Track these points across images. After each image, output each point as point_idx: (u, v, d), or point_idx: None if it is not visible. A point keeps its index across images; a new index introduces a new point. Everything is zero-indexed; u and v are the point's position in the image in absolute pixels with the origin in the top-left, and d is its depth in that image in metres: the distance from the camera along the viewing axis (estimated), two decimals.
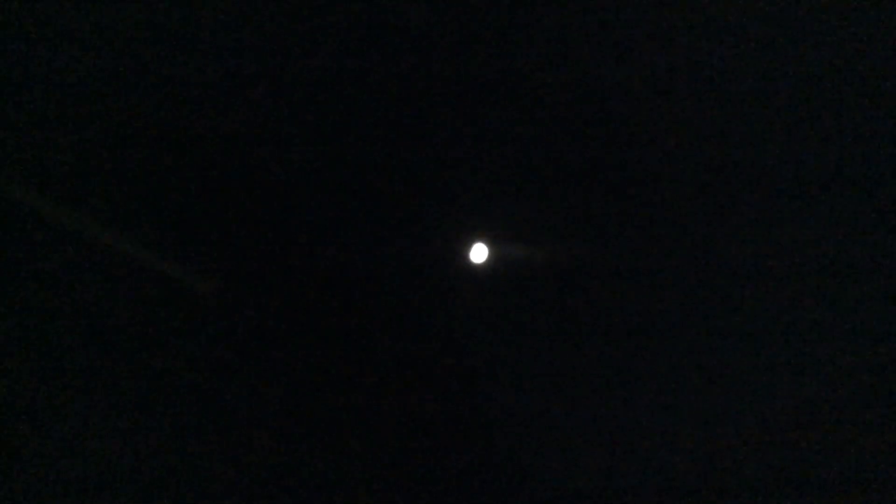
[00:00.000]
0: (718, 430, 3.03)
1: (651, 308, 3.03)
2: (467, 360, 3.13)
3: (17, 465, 2.29)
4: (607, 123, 2.82)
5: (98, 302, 2.57)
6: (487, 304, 3.11)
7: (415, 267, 3.05)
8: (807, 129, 2.64)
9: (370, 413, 2.99)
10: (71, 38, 2.51)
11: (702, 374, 3.02)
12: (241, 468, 2.76)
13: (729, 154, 2.74)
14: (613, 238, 2.99)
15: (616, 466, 3.12)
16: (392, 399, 3.02)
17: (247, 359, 2.85)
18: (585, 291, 3.07)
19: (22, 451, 2.30)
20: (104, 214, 2.61)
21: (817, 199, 2.74)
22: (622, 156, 2.86)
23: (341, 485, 2.92)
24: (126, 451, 2.54)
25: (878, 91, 2.49)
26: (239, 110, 2.76)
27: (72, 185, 2.57)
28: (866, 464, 2.82)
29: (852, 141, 2.62)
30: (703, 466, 3.05)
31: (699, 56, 2.64)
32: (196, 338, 2.74)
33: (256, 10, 2.59)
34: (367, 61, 2.71)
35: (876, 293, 2.77)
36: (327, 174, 2.89)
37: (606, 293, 3.06)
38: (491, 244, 3.02)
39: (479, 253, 3.02)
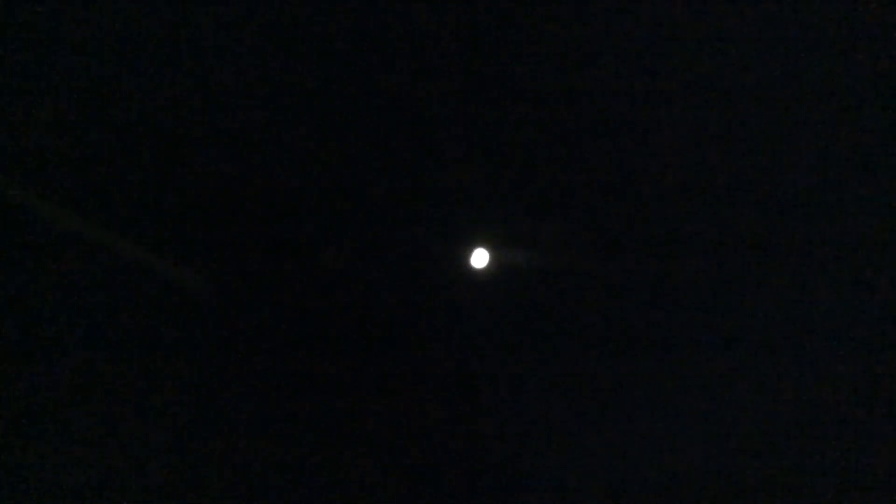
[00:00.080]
0: (718, 435, 3.04)
1: (651, 314, 3.04)
2: (467, 364, 3.13)
3: (17, 465, 2.26)
4: (609, 130, 2.84)
5: (94, 300, 2.54)
6: (488, 308, 3.11)
7: (416, 271, 3.05)
8: (807, 130, 2.67)
9: (370, 417, 2.98)
10: (68, 38, 2.49)
11: (701, 379, 3.03)
12: (237, 468, 2.73)
13: (730, 161, 2.77)
14: (614, 244, 3.00)
15: (616, 470, 3.12)
16: (392, 403, 3.01)
17: (246, 363, 2.82)
18: (585, 296, 3.08)
19: (21, 450, 2.26)
20: (99, 214, 2.59)
21: (817, 204, 2.77)
22: (623, 162, 2.87)
23: (341, 487, 2.90)
24: (120, 449, 2.50)
25: (879, 93, 2.53)
26: (239, 111, 2.75)
27: (68, 185, 2.55)
28: (865, 468, 2.84)
29: (852, 142, 2.65)
30: (702, 470, 3.06)
31: (698, 63, 2.66)
32: (196, 339, 2.72)
33: (257, 11, 2.59)
34: (369, 65, 2.72)
35: (875, 300, 2.80)
36: (329, 179, 2.89)
37: (606, 298, 3.07)
38: (492, 249, 3.02)
39: (479, 258, 3.03)
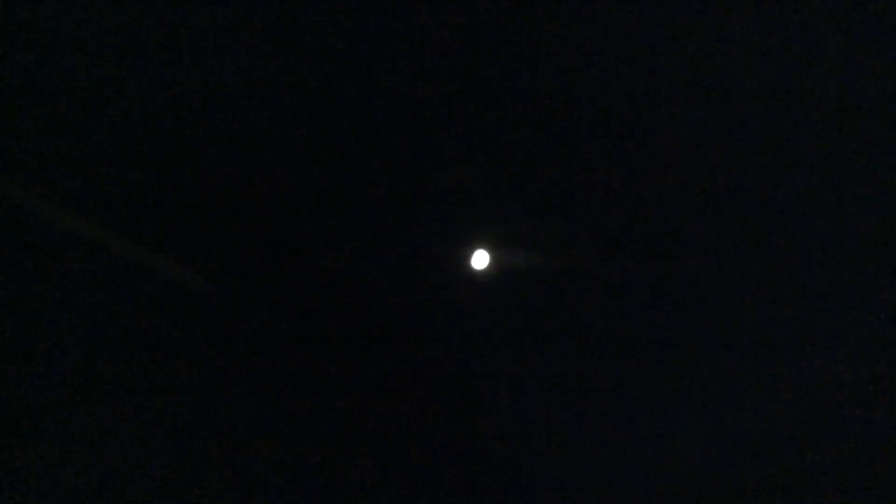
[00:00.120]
0: (718, 435, 3.04)
1: (651, 314, 3.04)
2: (468, 365, 3.12)
3: (17, 465, 2.25)
4: (609, 131, 2.84)
5: (95, 300, 2.54)
6: (488, 309, 3.11)
7: (417, 272, 3.05)
8: (807, 131, 2.67)
9: (371, 417, 2.97)
10: (68, 38, 2.49)
11: (701, 380, 3.03)
12: (237, 468, 2.73)
13: (731, 162, 2.77)
14: (614, 244, 3.00)
15: (616, 470, 3.12)
16: (393, 403, 3.00)
17: (246, 362, 2.82)
18: (586, 297, 3.08)
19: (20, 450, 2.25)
20: (99, 214, 2.59)
21: (817, 204, 2.77)
22: (623, 163, 2.88)
23: (341, 486, 2.89)
24: (120, 449, 2.49)
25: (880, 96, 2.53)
26: (240, 111, 2.74)
27: (68, 185, 2.54)
28: (865, 468, 2.84)
29: (852, 143, 2.65)
30: (703, 470, 3.06)
31: (699, 64, 2.67)
32: (196, 339, 2.72)
33: (257, 11, 2.59)
34: (369, 66, 2.72)
35: (875, 300, 2.80)
36: (329, 179, 2.89)
37: (607, 299, 3.07)
38: (492, 250, 3.02)
39: (480, 259, 3.03)
